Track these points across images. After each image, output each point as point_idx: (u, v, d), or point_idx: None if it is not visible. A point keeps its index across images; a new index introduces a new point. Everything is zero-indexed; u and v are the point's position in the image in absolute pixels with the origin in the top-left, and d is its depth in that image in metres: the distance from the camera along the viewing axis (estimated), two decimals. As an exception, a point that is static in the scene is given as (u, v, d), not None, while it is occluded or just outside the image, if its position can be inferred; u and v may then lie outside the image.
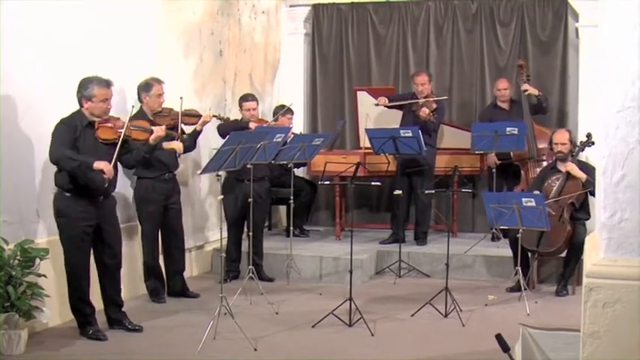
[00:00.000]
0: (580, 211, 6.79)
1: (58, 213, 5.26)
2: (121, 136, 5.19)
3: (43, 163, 5.52)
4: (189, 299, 6.55)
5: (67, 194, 5.20)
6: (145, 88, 6.24)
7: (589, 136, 6.80)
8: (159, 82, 6.32)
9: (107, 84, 5.24)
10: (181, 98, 6.26)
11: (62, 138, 5.08)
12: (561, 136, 6.93)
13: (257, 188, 6.95)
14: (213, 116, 6.68)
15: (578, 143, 6.94)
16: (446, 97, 8.47)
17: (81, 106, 5.23)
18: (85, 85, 5.20)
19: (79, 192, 5.18)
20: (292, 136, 7.20)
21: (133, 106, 6.13)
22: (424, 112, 7.79)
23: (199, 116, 6.49)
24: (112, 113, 5.37)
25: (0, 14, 5.11)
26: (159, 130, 5.57)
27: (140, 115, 6.09)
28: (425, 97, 7.94)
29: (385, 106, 8.17)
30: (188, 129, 6.54)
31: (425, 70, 8.50)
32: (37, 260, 5.07)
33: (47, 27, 5.51)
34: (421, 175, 7.95)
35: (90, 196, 5.23)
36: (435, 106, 7.90)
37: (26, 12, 5.33)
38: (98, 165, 5.01)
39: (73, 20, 5.75)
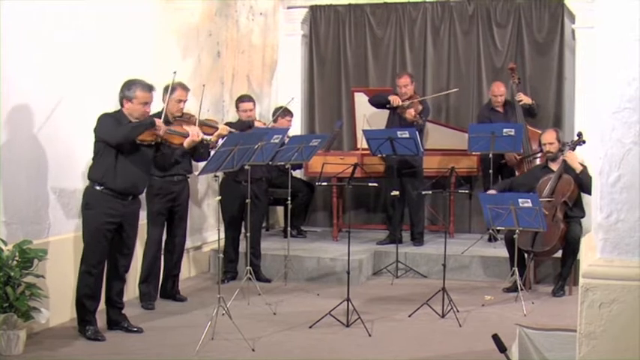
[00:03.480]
0: (574, 209, 6.83)
1: (86, 205, 5.33)
2: (159, 139, 5.46)
3: (42, 164, 5.54)
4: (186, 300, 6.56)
5: (99, 188, 5.27)
6: (168, 90, 6.21)
7: (580, 135, 6.89)
8: (183, 87, 6.30)
9: (149, 88, 5.36)
10: (204, 86, 6.37)
11: (114, 123, 5.23)
12: (548, 136, 7.03)
13: (255, 189, 6.96)
14: (230, 131, 6.54)
15: (569, 142, 7.01)
16: (456, 89, 8.50)
17: (122, 106, 5.34)
18: (127, 86, 5.31)
19: (111, 189, 5.27)
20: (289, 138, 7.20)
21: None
22: (410, 113, 7.81)
23: (216, 128, 6.40)
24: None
25: (0, 14, 5.12)
26: (194, 135, 5.71)
27: (158, 116, 6.09)
28: (409, 99, 7.95)
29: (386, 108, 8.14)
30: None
31: (407, 72, 8.47)
32: (36, 261, 5.08)
33: (47, 28, 5.52)
34: (412, 176, 7.98)
35: (120, 193, 5.31)
36: (421, 107, 7.92)
37: (26, 13, 5.34)
38: (158, 122, 5.39)
39: (72, 21, 5.76)
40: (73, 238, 5.74)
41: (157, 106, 5.86)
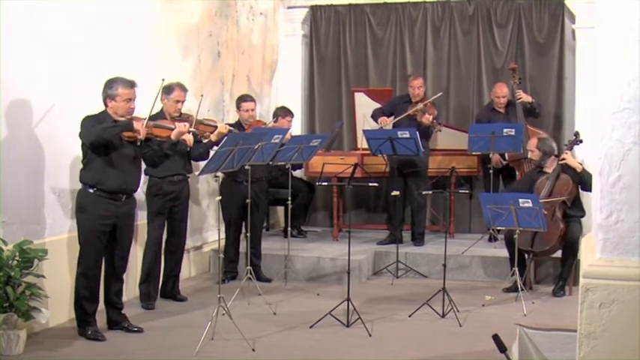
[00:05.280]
0: (573, 208, 6.83)
1: (79, 208, 5.34)
2: (144, 134, 5.42)
3: (41, 164, 5.54)
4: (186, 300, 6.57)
5: (91, 191, 5.28)
6: (166, 90, 6.15)
7: (576, 134, 6.92)
8: (182, 88, 6.28)
9: (131, 84, 5.34)
10: (202, 96, 6.38)
11: (92, 124, 5.21)
12: (530, 143, 7.14)
13: (255, 189, 6.96)
14: (229, 130, 6.46)
15: (566, 142, 7.02)
16: (440, 94, 8.52)
17: (105, 105, 5.33)
18: (109, 85, 5.31)
19: (102, 190, 5.27)
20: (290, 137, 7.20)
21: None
22: (427, 119, 7.85)
23: (215, 127, 6.35)
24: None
25: (0, 14, 5.12)
26: (181, 127, 5.74)
27: (160, 115, 6.10)
28: (420, 100, 7.98)
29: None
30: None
31: (420, 74, 8.53)
32: (36, 261, 5.08)
33: (47, 28, 5.52)
34: (416, 176, 7.99)
35: (112, 194, 5.31)
36: (436, 112, 7.96)
37: (26, 13, 5.34)
38: (136, 125, 5.33)
39: (72, 22, 5.76)
40: (72, 238, 5.73)
41: (146, 103, 5.85)
